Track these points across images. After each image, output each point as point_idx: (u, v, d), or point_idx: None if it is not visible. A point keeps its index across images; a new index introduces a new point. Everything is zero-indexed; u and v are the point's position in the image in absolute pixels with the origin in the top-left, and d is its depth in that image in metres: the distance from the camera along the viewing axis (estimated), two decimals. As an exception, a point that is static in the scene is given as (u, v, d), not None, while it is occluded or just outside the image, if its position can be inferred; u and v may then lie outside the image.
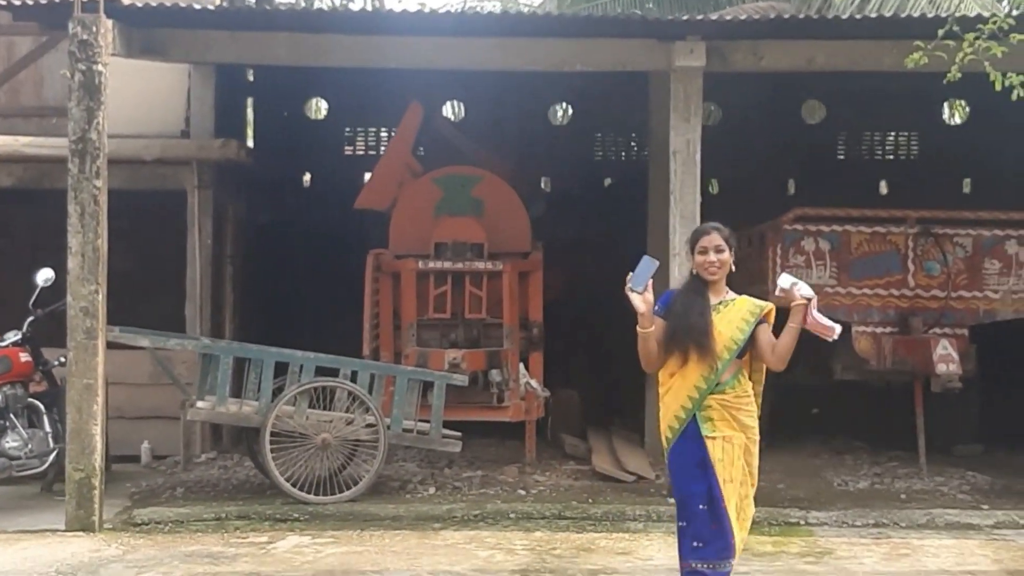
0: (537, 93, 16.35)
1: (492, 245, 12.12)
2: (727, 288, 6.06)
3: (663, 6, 17.49)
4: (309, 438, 10.13)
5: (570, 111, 17.47)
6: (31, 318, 10.26)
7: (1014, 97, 7.98)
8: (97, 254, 9.27)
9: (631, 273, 5.80)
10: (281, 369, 10.28)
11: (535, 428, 11.83)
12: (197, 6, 11.11)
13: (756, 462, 6.02)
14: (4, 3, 9.88)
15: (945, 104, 17.25)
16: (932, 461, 11.56)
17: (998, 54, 8.02)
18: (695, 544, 5.87)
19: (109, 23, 9.42)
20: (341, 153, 17.09)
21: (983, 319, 11.61)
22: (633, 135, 17.11)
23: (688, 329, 5.85)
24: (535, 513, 9.71)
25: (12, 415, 10.05)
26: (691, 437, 5.91)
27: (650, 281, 5.78)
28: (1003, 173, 16.09)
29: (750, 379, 6.07)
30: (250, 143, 15.95)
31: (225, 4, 13.21)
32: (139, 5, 9.71)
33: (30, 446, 10.03)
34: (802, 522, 9.54)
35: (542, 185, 16.90)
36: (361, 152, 17.09)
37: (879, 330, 11.42)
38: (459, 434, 10.81)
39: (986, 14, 8.29)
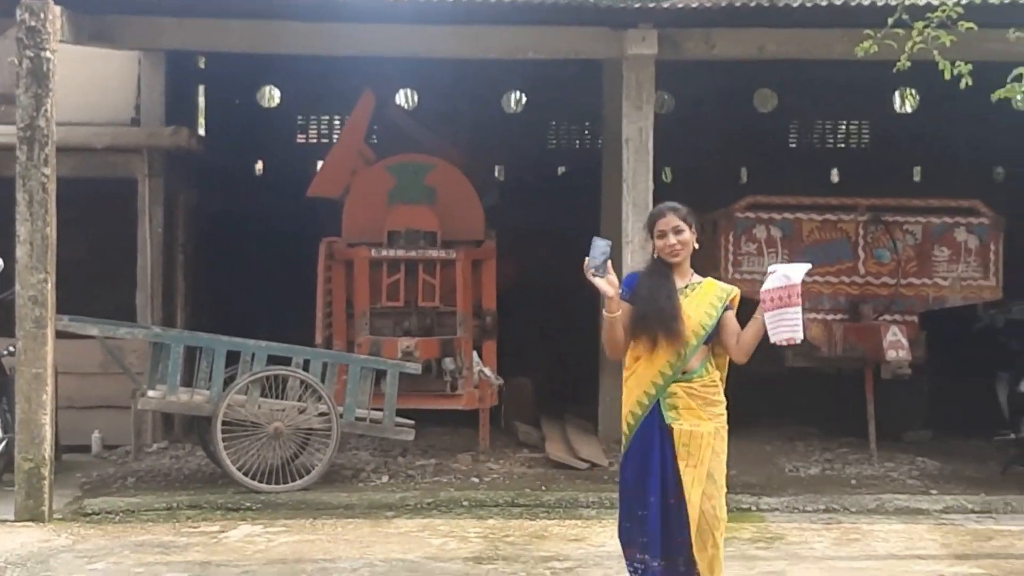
0: (491, 81, 16.34)
1: (445, 233, 12.13)
2: (692, 271, 5.73)
3: (616, -7, 17.50)
4: (261, 427, 10.08)
5: (524, 99, 17.45)
6: (-22, 307, 10.18)
7: (963, 85, 8.03)
8: (46, 242, 9.19)
9: (587, 258, 5.42)
10: (233, 358, 10.22)
11: (488, 416, 11.87)
12: (147, -8, 11.01)
13: (724, 457, 5.60)
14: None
15: (896, 93, 17.37)
16: (882, 447, 11.68)
17: (947, 43, 8.07)
18: (642, 540, 5.52)
19: (57, 9, 9.32)
20: (293, 141, 17.07)
21: (932, 306, 11.76)
22: (587, 124, 17.17)
23: (657, 313, 5.51)
24: (488, 501, 9.72)
25: (-40, 405, 9.96)
26: (653, 425, 5.57)
27: (609, 263, 5.42)
28: (953, 161, 16.26)
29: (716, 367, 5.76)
30: (201, 131, 15.86)
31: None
32: (88, -9, 9.63)
33: (-22, 436, 9.94)
34: (753, 508, 9.60)
35: (496, 173, 16.94)
36: (314, 140, 17.08)
37: (830, 317, 11.54)
38: (412, 422, 10.80)
39: (935, 3, 8.31)
